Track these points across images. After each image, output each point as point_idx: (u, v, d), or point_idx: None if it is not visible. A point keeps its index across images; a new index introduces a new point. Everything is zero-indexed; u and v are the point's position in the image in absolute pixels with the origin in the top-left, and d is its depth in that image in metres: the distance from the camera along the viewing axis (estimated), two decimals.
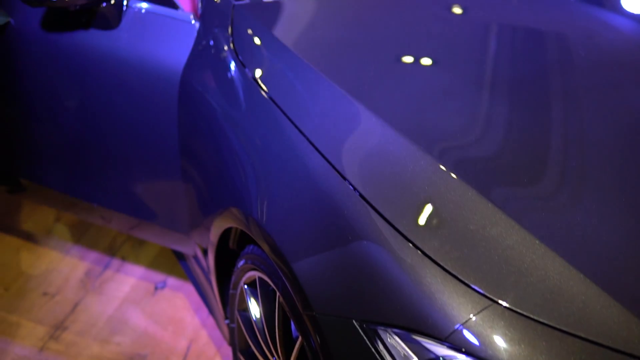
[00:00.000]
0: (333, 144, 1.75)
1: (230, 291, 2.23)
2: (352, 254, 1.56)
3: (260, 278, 1.99)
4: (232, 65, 2.15)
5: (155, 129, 2.47)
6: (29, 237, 3.49)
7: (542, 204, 1.58)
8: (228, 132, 2.11)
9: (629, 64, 2.19)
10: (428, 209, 1.54)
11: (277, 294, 1.85)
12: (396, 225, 1.51)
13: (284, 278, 1.76)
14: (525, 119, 1.84)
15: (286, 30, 2.22)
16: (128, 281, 3.21)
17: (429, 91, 1.92)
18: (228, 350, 2.83)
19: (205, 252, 2.41)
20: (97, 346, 2.87)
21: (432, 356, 1.39)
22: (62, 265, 3.30)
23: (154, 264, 3.30)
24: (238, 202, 2.00)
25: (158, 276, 3.23)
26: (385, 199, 1.57)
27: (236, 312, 2.21)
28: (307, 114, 1.87)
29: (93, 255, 3.36)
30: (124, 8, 2.50)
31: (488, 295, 1.37)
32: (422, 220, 1.52)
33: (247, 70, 2.09)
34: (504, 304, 1.36)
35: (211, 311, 2.72)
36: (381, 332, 1.47)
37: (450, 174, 1.58)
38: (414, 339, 1.41)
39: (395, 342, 1.44)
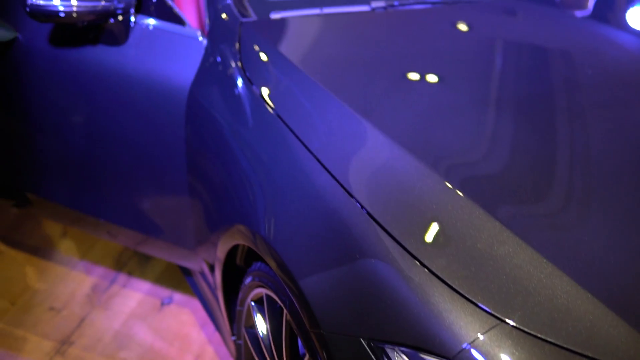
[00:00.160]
0: (340, 161, 1.75)
1: (237, 308, 2.23)
2: (360, 272, 1.56)
3: (267, 295, 1.99)
4: (240, 82, 2.16)
5: (162, 144, 2.48)
6: (35, 252, 3.50)
7: (549, 222, 1.58)
8: (235, 148, 2.11)
9: (635, 81, 2.19)
10: (435, 227, 1.54)
11: (284, 311, 1.85)
12: (404, 244, 1.51)
13: (291, 295, 1.76)
14: (532, 137, 1.84)
15: (293, 47, 2.23)
16: (134, 296, 3.21)
17: (436, 109, 1.93)
18: None
19: (211, 268, 2.41)
20: None
21: None
22: (69, 280, 3.31)
23: (161, 280, 3.30)
24: (245, 219, 2.01)
25: (164, 292, 3.23)
26: (393, 217, 1.57)
27: (243, 329, 2.21)
28: (314, 131, 1.87)
29: (99, 270, 3.37)
30: (132, 24, 2.51)
31: (495, 314, 1.37)
32: (429, 238, 1.52)
33: (254, 87, 2.10)
34: (512, 323, 1.36)
35: (218, 327, 2.72)
36: (389, 351, 1.47)
37: (457, 192, 1.59)
38: (422, 358, 1.41)
39: None
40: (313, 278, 1.67)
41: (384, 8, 2.45)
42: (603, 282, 1.44)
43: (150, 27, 2.50)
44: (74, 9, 2.37)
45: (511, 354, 1.33)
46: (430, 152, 1.73)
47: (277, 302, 1.92)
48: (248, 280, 2.10)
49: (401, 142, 1.74)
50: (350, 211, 1.63)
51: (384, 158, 1.72)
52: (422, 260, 1.47)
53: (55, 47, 2.66)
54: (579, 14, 2.63)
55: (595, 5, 2.64)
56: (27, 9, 2.39)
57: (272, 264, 1.84)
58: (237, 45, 2.25)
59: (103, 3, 2.39)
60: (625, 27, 2.55)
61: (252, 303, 2.12)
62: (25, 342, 2.96)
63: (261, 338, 2.09)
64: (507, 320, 1.36)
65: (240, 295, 2.18)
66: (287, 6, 2.43)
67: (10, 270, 3.37)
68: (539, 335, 1.35)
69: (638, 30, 2.52)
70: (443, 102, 1.97)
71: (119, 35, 2.53)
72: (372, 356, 1.49)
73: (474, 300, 1.39)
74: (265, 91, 2.07)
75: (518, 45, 2.35)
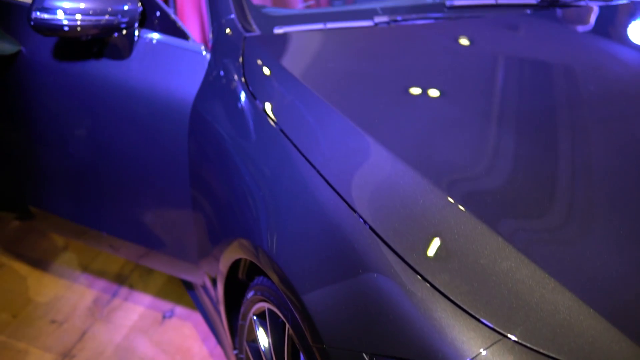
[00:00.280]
0: (343, 176, 1.75)
1: (239, 322, 2.23)
2: (362, 287, 1.56)
3: (269, 309, 1.99)
4: (243, 96, 2.17)
5: (165, 158, 2.49)
6: (37, 264, 3.50)
7: (552, 237, 1.58)
8: (238, 162, 2.12)
9: (637, 96, 2.19)
10: (438, 242, 1.54)
11: (287, 325, 1.85)
12: (406, 259, 1.51)
13: (293, 310, 1.76)
14: (534, 152, 1.84)
15: (297, 62, 2.24)
16: (136, 310, 3.21)
17: (438, 124, 1.93)
18: None
19: (214, 281, 2.42)
20: None
21: None
22: (70, 293, 3.31)
23: (162, 293, 3.30)
24: (247, 233, 2.01)
25: (166, 305, 3.24)
26: (396, 232, 1.57)
27: (245, 343, 2.21)
28: (317, 146, 1.88)
29: (101, 283, 3.37)
30: (136, 38, 2.52)
31: (498, 329, 1.37)
32: (432, 253, 1.52)
33: (257, 101, 2.11)
34: (514, 338, 1.36)
35: (219, 341, 2.72)
36: None
37: (460, 208, 1.59)
38: None
39: None
40: (315, 292, 1.68)
41: (387, 23, 2.46)
42: (605, 298, 1.44)
43: (154, 41, 2.51)
44: (78, 23, 2.38)
45: None
46: (433, 167, 1.73)
47: (279, 317, 1.92)
48: (250, 294, 2.10)
49: (404, 157, 1.74)
50: (353, 226, 1.63)
51: (387, 173, 1.72)
52: (424, 275, 1.47)
53: (58, 60, 2.67)
54: (581, 28, 2.64)
55: (598, 20, 2.65)
56: (31, 23, 2.40)
57: (275, 278, 1.84)
58: (240, 60, 2.26)
59: (107, 17, 2.40)
60: (628, 42, 2.56)
61: (254, 317, 2.12)
62: (27, 355, 2.96)
63: (263, 352, 2.09)
64: (510, 336, 1.36)
65: (243, 309, 2.18)
66: (290, 21, 2.44)
67: (12, 282, 3.37)
68: (541, 350, 1.35)
69: (639, 45, 2.52)
70: (446, 117, 1.97)
71: (123, 49, 2.54)
72: None
73: (476, 315, 1.40)
74: (268, 106, 2.07)
75: (520, 60, 2.35)
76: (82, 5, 2.38)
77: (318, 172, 1.80)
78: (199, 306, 2.97)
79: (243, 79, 2.20)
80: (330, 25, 2.43)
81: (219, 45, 2.38)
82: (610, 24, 2.68)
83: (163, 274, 3.39)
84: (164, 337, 3.05)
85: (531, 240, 1.55)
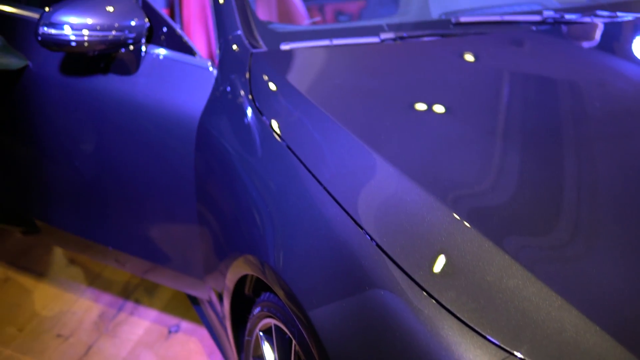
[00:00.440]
0: (350, 193, 1.76)
1: (246, 338, 2.23)
2: (369, 304, 1.56)
3: (276, 326, 1.99)
4: (249, 112, 2.17)
5: (172, 173, 2.49)
6: (42, 278, 3.50)
7: (558, 255, 1.58)
8: (244, 178, 2.12)
9: None
10: (444, 259, 1.54)
11: (293, 342, 1.85)
12: (413, 276, 1.51)
13: (300, 326, 1.76)
14: (540, 169, 1.85)
15: (303, 78, 2.24)
16: (142, 324, 3.21)
17: (445, 141, 1.93)
18: None
19: (220, 296, 2.42)
20: None
21: None
22: (76, 307, 3.31)
23: (168, 308, 3.30)
24: (254, 249, 2.01)
25: (172, 320, 3.24)
26: (402, 249, 1.57)
27: (251, 359, 2.21)
28: (324, 162, 1.88)
29: (107, 297, 3.37)
30: (143, 54, 2.53)
31: (504, 347, 1.37)
32: (438, 270, 1.52)
33: (264, 117, 2.11)
34: (520, 355, 1.36)
35: (225, 356, 2.72)
36: None
37: (466, 225, 1.59)
38: None
39: None
40: (322, 309, 1.68)
41: (393, 39, 2.47)
42: (612, 316, 1.44)
43: (161, 57, 2.52)
44: (86, 38, 2.40)
45: None
46: (440, 184, 1.73)
47: (285, 333, 1.93)
48: (257, 310, 2.10)
49: (410, 174, 1.75)
50: (359, 242, 1.64)
51: (393, 189, 1.73)
52: (431, 292, 1.48)
53: (65, 75, 2.68)
54: (586, 45, 2.64)
55: (603, 37, 2.65)
56: (39, 38, 2.41)
57: (281, 294, 1.85)
58: (247, 76, 2.27)
59: (114, 33, 2.41)
60: (634, 59, 2.56)
61: (261, 333, 2.12)
62: None
63: None
64: (516, 353, 1.36)
65: (249, 325, 2.18)
66: (297, 37, 2.45)
67: (18, 296, 3.38)
68: None
69: None
70: (452, 133, 1.97)
71: (130, 64, 2.55)
72: None
73: (483, 333, 1.40)
74: (275, 122, 2.08)
75: (526, 77, 2.36)
76: (89, 21, 2.39)
77: (324, 188, 1.80)
78: (204, 321, 2.97)
79: (250, 95, 2.20)
80: (336, 41, 2.43)
81: (226, 61, 2.39)
82: (616, 40, 2.68)
83: (168, 289, 3.39)
84: (169, 351, 3.05)
85: (537, 258, 1.55)
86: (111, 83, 2.59)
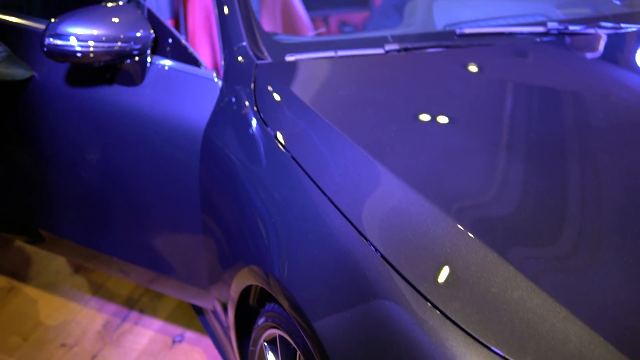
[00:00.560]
0: (354, 204, 1.76)
1: (250, 348, 2.23)
2: (373, 314, 1.56)
3: (280, 336, 2.00)
4: (254, 123, 2.18)
5: (177, 184, 2.50)
6: (47, 288, 3.51)
7: (563, 266, 1.58)
8: (249, 189, 2.13)
9: None
10: (449, 270, 1.54)
11: (298, 352, 1.85)
12: (417, 287, 1.51)
13: (304, 337, 1.76)
14: (545, 180, 1.85)
15: (308, 90, 2.25)
16: (146, 334, 3.21)
17: (449, 152, 1.94)
18: None
19: (224, 306, 2.42)
20: None
21: None
22: (80, 316, 3.32)
23: (172, 317, 3.30)
24: (259, 259, 2.02)
25: (176, 329, 3.24)
26: (407, 260, 1.57)
27: None
28: (329, 173, 1.89)
29: (111, 307, 3.38)
30: (148, 65, 2.54)
31: (509, 358, 1.38)
32: (443, 281, 1.52)
33: (269, 128, 2.12)
34: None
35: None
36: None
37: (471, 236, 1.59)
38: None
39: None
40: (326, 320, 1.68)
41: (398, 51, 2.47)
42: (616, 327, 1.44)
43: (166, 68, 2.53)
44: (91, 49, 2.41)
45: None
46: (444, 195, 1.74)
47: (290, 344, 1.93)
48: (261, 320, 2.11)
49: (415, 185, 1.75)
50: (364, 253, 1.64)
51: (398, 201, 1.73)
52: (435, 303, 1.48)
53: (71, 86, 2.70)
54: (590, 56, 2.64)
55: (607, 48, 2.66)
56: (45, 49, 2.42)
57: (286, 305, 1.85)
58: (252, 87, 2.27)
59: (120, 44, 2.42)
60: (637, 70, 2.56)
61: (265, 344, 2.12)
62: None
63: None
64: None
65: (253, 335, 2.19)
66: (301, 49, 2.46)
67: (22, 306, 3.38)
68: None
69: None
70: (456, 145, 1.98)
71: (135, 75, 2.56)
72: None
73: (487, 344, 1.40)
74: (279, 133, 2.08)
75: (530, 88, 2.36)
76: (95, 32, 2.40)
77: (329, 199, 1.81)
78: (209, 331, 2.97)
79: (255, 106, 2.21)
80: (341, 52, 2.44)
81: (231, 72, 2.40)
82: (620, 51, 2.69)
83: (173, 299, 3.40)
84: None
85: (542, 269, 1.56)
86: (116, 94, 2.60)
